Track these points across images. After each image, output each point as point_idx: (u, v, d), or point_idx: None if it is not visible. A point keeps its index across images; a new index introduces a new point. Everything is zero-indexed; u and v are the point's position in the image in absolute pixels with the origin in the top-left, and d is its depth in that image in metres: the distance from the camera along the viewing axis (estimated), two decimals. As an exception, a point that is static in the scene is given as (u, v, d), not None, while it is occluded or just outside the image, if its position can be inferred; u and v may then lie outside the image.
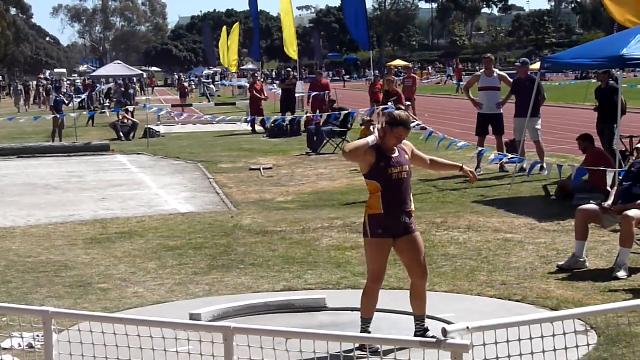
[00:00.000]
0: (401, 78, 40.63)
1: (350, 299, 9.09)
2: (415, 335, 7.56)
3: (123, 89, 41.27)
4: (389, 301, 8.81)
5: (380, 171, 7.51)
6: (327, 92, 32.33)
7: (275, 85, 37.30)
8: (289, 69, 44.69)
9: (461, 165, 8.18)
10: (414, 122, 21.33)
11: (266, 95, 36.10)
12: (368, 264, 7.75)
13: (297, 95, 38.70)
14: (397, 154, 7.60)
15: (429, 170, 12.07)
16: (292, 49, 41.60)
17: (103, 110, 39.48)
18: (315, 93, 32.50)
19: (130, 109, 35.16)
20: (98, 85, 54.65)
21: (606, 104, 17.73)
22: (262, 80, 40.48)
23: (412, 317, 7.85)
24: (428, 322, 7.85)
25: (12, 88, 64.60)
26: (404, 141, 7.72)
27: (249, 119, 32.99)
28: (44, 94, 59.50)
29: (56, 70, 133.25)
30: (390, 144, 7.56)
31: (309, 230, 13.35)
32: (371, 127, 8.09)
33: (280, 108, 34.84)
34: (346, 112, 26.07)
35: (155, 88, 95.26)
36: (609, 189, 13.74)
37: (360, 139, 7.76)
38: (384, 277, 7.75)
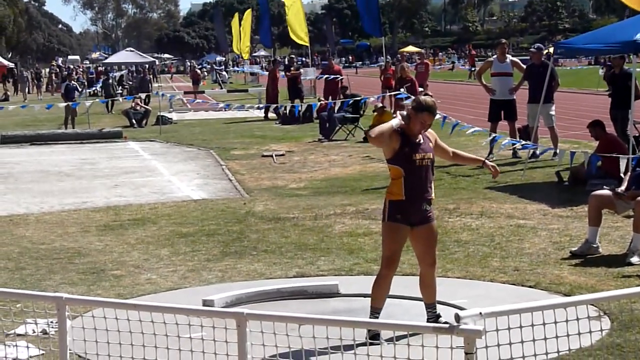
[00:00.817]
0: (414, 64, 40.57)
1: (363, 285, 9.10)
2: (428, 322, 7.56)
3: (141, 75, 41.47)
4: (401, 287, 8.81)
5: (404, 157, 7.45)
6: (340, 77, 32.27)
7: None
8: (292, 56, 44.64)
9: (483, 159, 8.08)
10: None
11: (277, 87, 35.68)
12: (383, 250, 7.70)
13: (307, 78, 38.62)
14: (421, 140, 7.54)
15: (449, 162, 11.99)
16: (302, 35, 41.49)
17: (115, 97, 39.58)
18: (327, 75, 32.45)
19: (143, 96, 35.20)
20: (111, 72, 54.72)
21: (620, 89, 17.63)
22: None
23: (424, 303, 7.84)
24: (440, 308, 7.84)
25: (18, 75, 63.77)
26: (429, 130, 7.69)
27: (261, 106, 33.05)
28: (60, 81, 59.40)
29: (69, 57, 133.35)
30: (414, 129, 7.49)
31: (321, 217, 13.36)
32: (397, 112, 7.88)
33: (288, 96, 34.82)
34: (358, 98, 26.06)
35: (174, 75, 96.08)
36: (622, 174, 13.72)
37: (384, 123, 7.67)
38: (397, 263, 7.70)
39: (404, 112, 7.61)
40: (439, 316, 7.65)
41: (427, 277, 7.71)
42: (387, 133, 7.46)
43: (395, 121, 7.52)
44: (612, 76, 18.47)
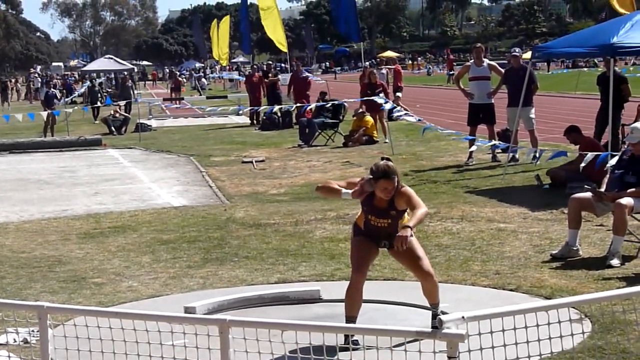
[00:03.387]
0: (392, 68, 40.61)
1: (344, 290, 9.07)
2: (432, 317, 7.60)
3: (122, 82, 41.46)
4: (384, 292, 8.83)
5: (364, 210, 7.57)
6: (308, 76, 32.37)
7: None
8: (269, 62, 44.73)
9: (409, 225, 7.25)
10: (400, 112, 21.45)
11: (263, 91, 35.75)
12: (350, 259, 7.79)
13: (286, 84, 38.77)
14: (384, 205, 7.38)
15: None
16: (281, 42, 41.53)
17: (100, 104, 39.47)
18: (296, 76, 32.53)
19: (123, 103, 35.12)
20: (94, 79, 54.53)
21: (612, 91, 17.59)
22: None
23: (408, 308, 7.85)
24: (423, 312, 7.86)
25: None
26: (406, 190, 7.39)
27: (240, 112, 33.02)
28: (45, 88, 58.93)
29: (53, 64, 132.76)
30: (379, 197, 7.34)
31: (302, 222, 13.35)
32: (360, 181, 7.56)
33: (267, 101, 34.86)
34: (336, 102, 26.12)
35: (156, 82, 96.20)
36: (581, 165, 13.86)
37: (335, 186, 7.54)
38: (366, 270, 7.64)
39: (367, 180, 7.32)
40: (436, 314, 7.56)
41: (424, 286, 7.66)
42: (331, 195, 7.65)
43: (347, 192, 7.41)
44: (603, 78, 18.46)
